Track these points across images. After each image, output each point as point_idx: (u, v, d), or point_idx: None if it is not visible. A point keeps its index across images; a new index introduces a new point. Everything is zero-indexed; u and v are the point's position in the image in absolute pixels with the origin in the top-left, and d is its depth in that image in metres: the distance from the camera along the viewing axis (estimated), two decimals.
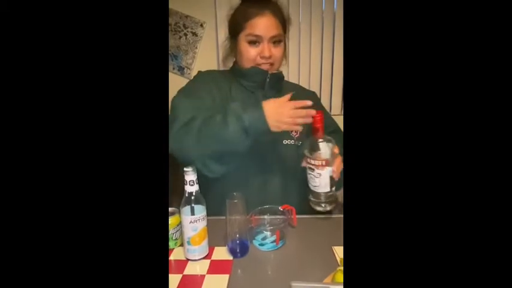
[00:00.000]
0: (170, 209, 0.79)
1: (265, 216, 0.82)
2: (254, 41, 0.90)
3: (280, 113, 0.75)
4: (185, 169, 0.69)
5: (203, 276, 0.67)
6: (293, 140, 0.96)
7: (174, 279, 0.66)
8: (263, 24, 0.89)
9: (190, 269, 0.70)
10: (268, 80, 0.94)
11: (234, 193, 0.74)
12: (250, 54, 0.91)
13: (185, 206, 0.71)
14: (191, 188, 0.70)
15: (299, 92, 1.00)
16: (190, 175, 0.69)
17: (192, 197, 0.70)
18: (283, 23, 0.94)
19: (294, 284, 0.60)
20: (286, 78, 1.02)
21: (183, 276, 0.68)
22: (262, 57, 0.91)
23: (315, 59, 2.04)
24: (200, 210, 0.71)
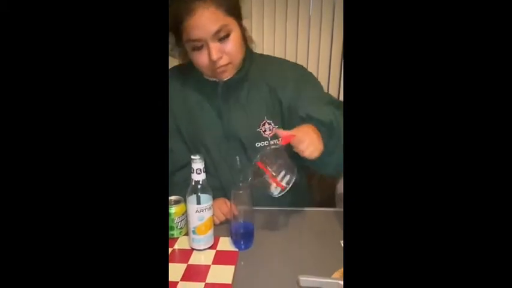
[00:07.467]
0: (176, 197, 0.78)
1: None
2: (197, 47, 0.77)
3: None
4: (192, 157, 0.67)
5: (208, 267, 0.66)
6: (267, 140, 0.88)
7: (178, 269, 0.65)
8: (197, 24, 0.73)
9: (195, 259, 0.69)
10: (220, 90, 0.85)
11: (240, 183, 0.72)
12: (200, 62, 0.79)
13: (191, 194, 0.69)
14: (198, 177, 0.68)
15: (283, 68, 0.89)
16: (197, 163, 0.67)
17: (199, 186, 0.69)
18: (228, 6, 0.76)
19: (302, 278, 0.59)
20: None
21: (188, 265, 0.66)
22: (211, 62, 0.77)
23: (324, 46, 2.00)
24: (206, 199, 0.69)
